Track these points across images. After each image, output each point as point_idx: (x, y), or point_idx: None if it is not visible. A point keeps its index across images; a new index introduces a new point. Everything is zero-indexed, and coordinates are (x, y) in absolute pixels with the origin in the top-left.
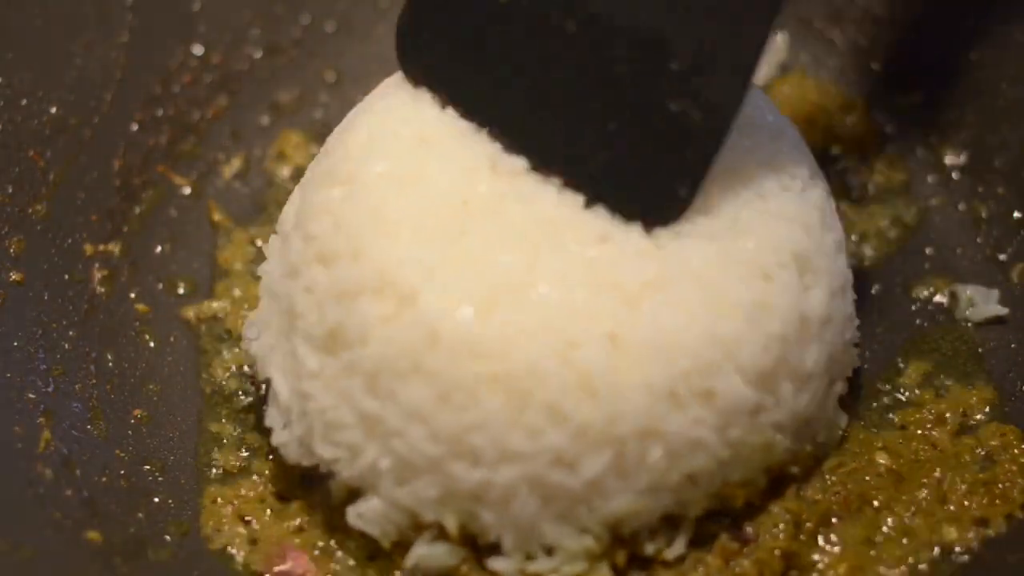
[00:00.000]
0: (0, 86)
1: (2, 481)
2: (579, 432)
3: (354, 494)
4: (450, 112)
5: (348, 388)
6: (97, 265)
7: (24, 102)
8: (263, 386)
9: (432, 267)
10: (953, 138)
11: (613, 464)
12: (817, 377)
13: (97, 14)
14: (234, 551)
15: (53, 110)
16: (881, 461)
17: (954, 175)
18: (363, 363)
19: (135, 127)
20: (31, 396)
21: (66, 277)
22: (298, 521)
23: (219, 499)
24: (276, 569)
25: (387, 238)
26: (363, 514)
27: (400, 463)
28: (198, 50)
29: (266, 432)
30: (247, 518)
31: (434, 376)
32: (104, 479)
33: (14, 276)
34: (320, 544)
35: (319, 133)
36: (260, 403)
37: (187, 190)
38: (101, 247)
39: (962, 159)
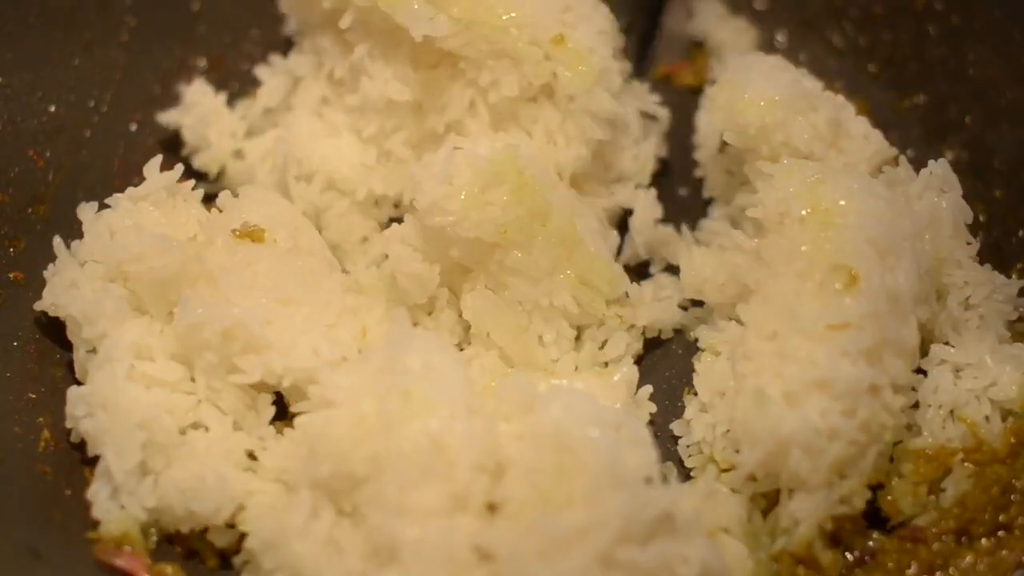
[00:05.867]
0: (0, 86)
1: (2, 481)
2: None
3: None
4: None
5: None
6: None
7: (24, 102)
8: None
9: None
10: (953, 138)
11: None
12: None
13: (97, 14)
14: None
15: (53, 110)
16: None
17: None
18: None
19: (135, 127)
20: (31, 396)
21: None
22: None
23: None
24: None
25: None
26: None
27: None
28: (198, 50)
29: None
30: None
31: None
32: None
33: (14, 276)
34: None
35: None
36: None
37: None
38: None
39: (962, 159)
